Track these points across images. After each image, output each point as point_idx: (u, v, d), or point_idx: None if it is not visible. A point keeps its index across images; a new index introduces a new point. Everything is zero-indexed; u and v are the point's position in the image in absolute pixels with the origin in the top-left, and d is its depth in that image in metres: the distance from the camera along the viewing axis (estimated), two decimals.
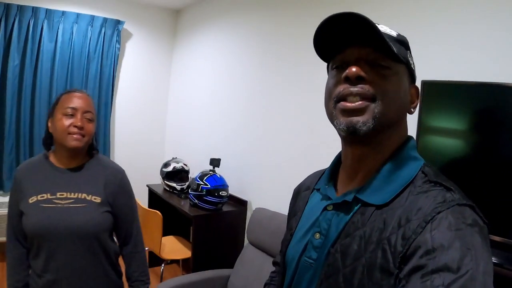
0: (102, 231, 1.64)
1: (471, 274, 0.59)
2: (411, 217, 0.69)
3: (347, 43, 0.80)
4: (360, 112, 0.76)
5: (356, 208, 0.79)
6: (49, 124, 1.66)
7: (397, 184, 0.77)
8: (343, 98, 0.79)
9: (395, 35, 0.82)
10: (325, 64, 0.91)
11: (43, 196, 1.57)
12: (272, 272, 1.23)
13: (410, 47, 0.86)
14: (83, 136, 1.61)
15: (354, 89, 0.77)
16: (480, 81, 1.60)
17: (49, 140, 1.69)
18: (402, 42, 0.82)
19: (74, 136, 1.58)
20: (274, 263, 1.23)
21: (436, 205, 0.68)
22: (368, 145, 0.82)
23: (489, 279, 0.61)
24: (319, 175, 1.04)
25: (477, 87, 1.59)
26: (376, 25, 0.79)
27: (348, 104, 0.77)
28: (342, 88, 0.79)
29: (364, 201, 0.78)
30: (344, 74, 0.78)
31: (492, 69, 1.72)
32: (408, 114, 0.86)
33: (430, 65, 1.93)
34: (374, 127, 0.76)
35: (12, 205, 1.66)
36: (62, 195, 1.59)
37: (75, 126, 1.58)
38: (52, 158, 1.68)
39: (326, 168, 1.02)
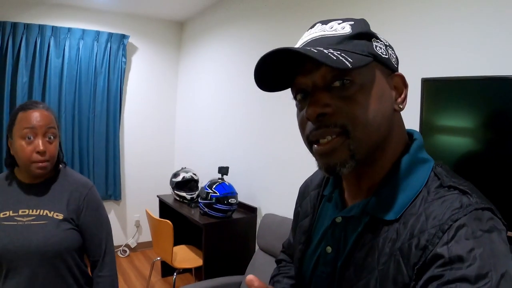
0: (65, 250, 1.49)
1: (490, 286, 0.56)
2: (426, 226, 0.65)
3: (295, 72, 0.73)
4: (334, 151, 0.70)
5: (366, 220, 0.75)
6: (10, 146, 1.51)
7: (408, 194, 0.71)
8: (314, 142, 0.72)
9: (349, 31, 0.70)
10: None
11: (5, 214, 1.46)
12: (280, 266, 1.20)
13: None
14: (48, 160, 1.48)
15: (319, 132, 0.70)
16: (482, 75, 1.57)
17: (11, 161, 1.53)
18: (360, 35, 0.71)
19: (38, 164, 1.45)
20: (279, 261, 1.22)
21: (452, 212, 0.63)
22: (361, 168, 0.75)
23: (509, 286, 0.58)
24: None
25: (478, 82, 1.56)
26: (310, 32, 0.75)
27: (320, 148, 0.71)
28: (308, 129, 0.73)
29: (373, 215, 0.74)
30: (305, 116, 0.72)
31: (496, 62, 1.71)
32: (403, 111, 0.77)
33: (429, 62, 1.93)
34: (356, 161, 0.70)
35: None
36: (24, 212, 1.47)
37: (38, 152, 1.44)
38: (17, 174, 1.55)
39: None
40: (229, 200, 3.26)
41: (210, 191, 3.29)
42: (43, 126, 1.46)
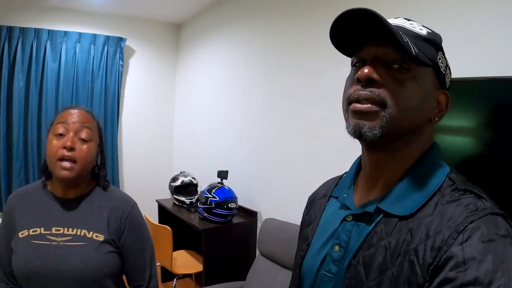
0: (105, 275, 1.33)
1: None
2: (441, 227, 0.65)
3: (366, 39, 0.76)
4: (368, 115, 0.72)
5: (378, 218, 0.75)
6: None
7: (423, 193, 0.73)
8: (354, 101, 0.75)
9: (425, 33, 0.76)
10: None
11: (35, 231, 1.30)
12: None
13: None
14: (75, 162, 1.29)
15: (363, 92, 0.73)
16: (484, 76, 1.55)
17: (46, 166, 1.38)
18: (431, 41, 0.76)
19: (63, 163, 1.27)
20: None
21: (468, 214, 0.64)
22: (383, 151, 0.78)
23: None
24: (335, 181, 1.00)
25: (480, 83, 1.54)
26: (392, 21, 0.77)
27: (358, 105, 0.73)
28: (353, 90, 0.75)
29: (387, 211, 0.74)
30: (356, 75, 0.74)
31: (499, 63, 1.68)
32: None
33: None
34: (382, 135, 0.72)
35: (1, 240, 1.38)
36: (58, 230, 1.31)
37: (64, 147, 1.28)
38: (50, 186, 1.40)
39: (343, 174, 0.98)
40: (229, 205, 3.22)
41: (210, 195, 3.25)
42: (77, 122, 1.33)
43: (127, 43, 4.80)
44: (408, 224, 0.70)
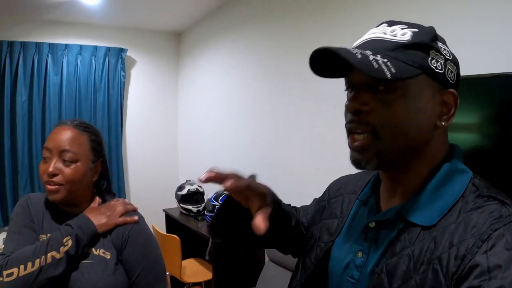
0: None
1: None
2: (465, 235, 0.64)
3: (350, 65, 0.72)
4: (362, 150, 0.73)
5: (401, 226, 0.74)
6: None
7: (446, 201, 0.71)
8: (349, 132, 0.76)
9: (408, 38, 0.71)
10: None
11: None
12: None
13: None
14: (61, 184, 1.25)
15: (352, 125, 0.74)
16: (487, 73, 1.55)
17: None
18: (417, 45, 0.70)
19: (48, 186, 1.25)
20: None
21: (492, 222, 0.63)
22: (393, 169, 0.78)
23: None
24: (367, 179, 0.95)
25: (484, 79, 1.54)
26: (371, 34, 0.76)
27: (351, 143, 0.75)
28: (348, 118, 0.76)
29: (410, 220, 0.73)
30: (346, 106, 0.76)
31: (501, 59, 1.66)
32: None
33: None
34: (381, 160, 0.73)
35: (21, 225, 1.30)
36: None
37: (48, 174, 1.24)
38: None
39: (373, 175, 0.95)
40: None
41: (216, 203, 3.24)
42: (59, 146, 1.27)
43: (128, 53, 4.81)
44: (432, 232, 0.69)
